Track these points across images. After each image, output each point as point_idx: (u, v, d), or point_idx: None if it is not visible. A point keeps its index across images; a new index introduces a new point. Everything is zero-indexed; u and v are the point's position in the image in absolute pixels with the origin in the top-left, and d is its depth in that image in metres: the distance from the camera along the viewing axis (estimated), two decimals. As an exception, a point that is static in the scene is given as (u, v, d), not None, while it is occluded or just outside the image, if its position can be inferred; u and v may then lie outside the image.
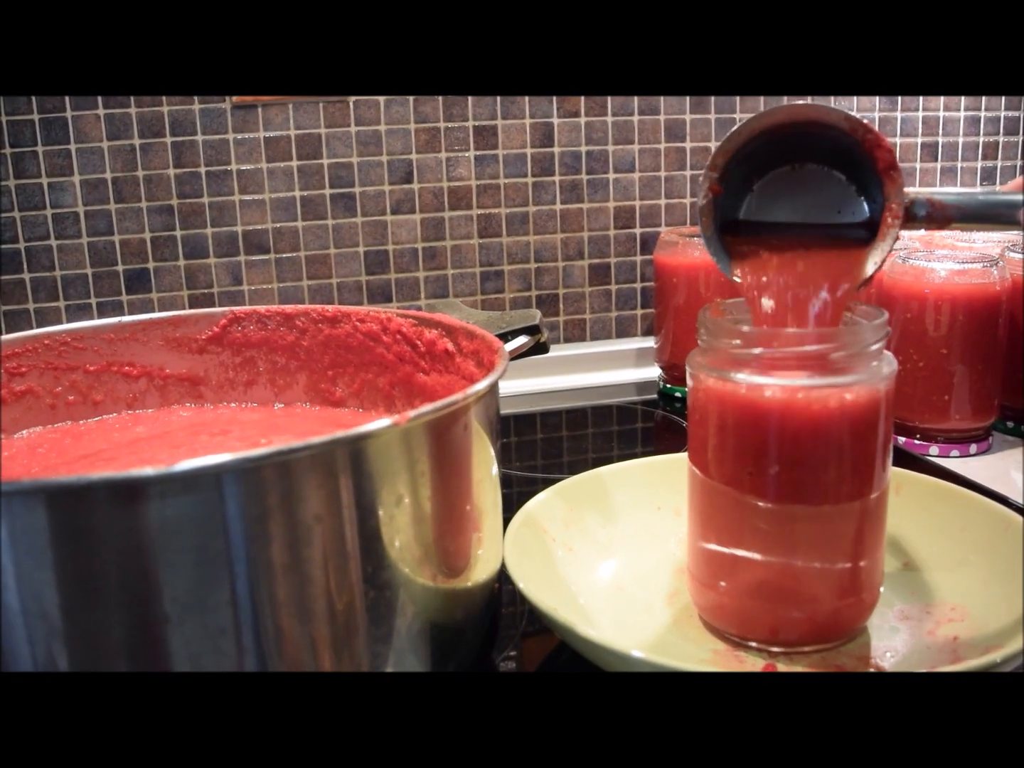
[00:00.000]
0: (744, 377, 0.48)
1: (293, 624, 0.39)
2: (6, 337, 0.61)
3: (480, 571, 0.49)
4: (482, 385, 0.45)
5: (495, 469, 0.50)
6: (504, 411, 0.57)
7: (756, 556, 0.50)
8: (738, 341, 0.48)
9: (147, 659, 0.37)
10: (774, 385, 0.47)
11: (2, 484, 0.35)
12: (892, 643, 0.52)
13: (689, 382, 0.52)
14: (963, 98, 1.21)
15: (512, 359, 0.52)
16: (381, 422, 0.40)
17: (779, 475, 0.48)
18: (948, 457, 0.83)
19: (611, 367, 1.16)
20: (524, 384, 1.10)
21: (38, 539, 0.35)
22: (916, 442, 0.84)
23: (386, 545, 0.41)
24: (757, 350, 0.48)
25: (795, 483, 0.48)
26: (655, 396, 1.07)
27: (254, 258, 1.06)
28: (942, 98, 1.20)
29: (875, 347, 0.48)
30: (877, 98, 1.18)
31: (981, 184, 1.25)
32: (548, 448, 0.95)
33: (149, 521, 0.36)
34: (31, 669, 0.36)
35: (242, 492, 0.37)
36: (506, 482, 0.52)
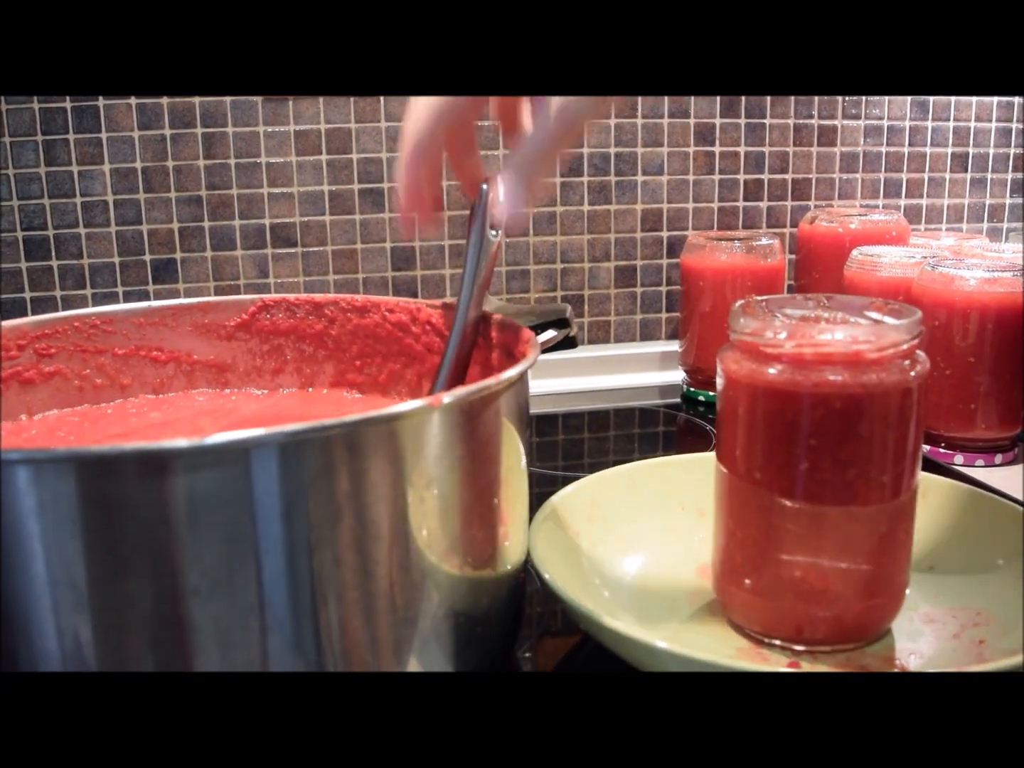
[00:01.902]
0: (775, 373, 0.48)
1: (319, 603, 0.39)
2: (36, 318, 0.61)
3: (506, 561, 0.49)
4: (515, 371, 0.45)
5: (523, 461, 0.50)
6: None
7: (783, 555, 0.50)
8: (770, 337, 0.48)
9: (174, 632, 0.37)
10: (805, 381, 0.47)
11: (35, 452, 0.36)
12: (916, 645, 0.52)
13: (719, 378, 0.52)
14: (995, 109, 1.21)
15: (542, 351, 0.52)
16: (415, 402, 0.40)
17: (808, 473, 0.48)
18: (973, 467, 0.82)
19: (635, 369, 1.16)
20: (547, 384, 1.09)
21: (68, 508, 0.35)
22: (941, 451, 0.83)
23: (414, 529, 0.41)
24: (789, 345, 0.47)
25: (824, 482, 0.48)
26: (678, 400, 1.07)
27: (281, 251, 1.06)
28: (974, 108, 1.20)
29: (908, 345, 0.48)
30: (908, 106, 1.18)
31: (1011, 197, 1.24)
32: (569, 448, 0.94)
33: (179, 493, 0.36)
34: (56, 639, 0.37)
35: (272, 467, 0.37)
36: (526, 481, 0.52)
